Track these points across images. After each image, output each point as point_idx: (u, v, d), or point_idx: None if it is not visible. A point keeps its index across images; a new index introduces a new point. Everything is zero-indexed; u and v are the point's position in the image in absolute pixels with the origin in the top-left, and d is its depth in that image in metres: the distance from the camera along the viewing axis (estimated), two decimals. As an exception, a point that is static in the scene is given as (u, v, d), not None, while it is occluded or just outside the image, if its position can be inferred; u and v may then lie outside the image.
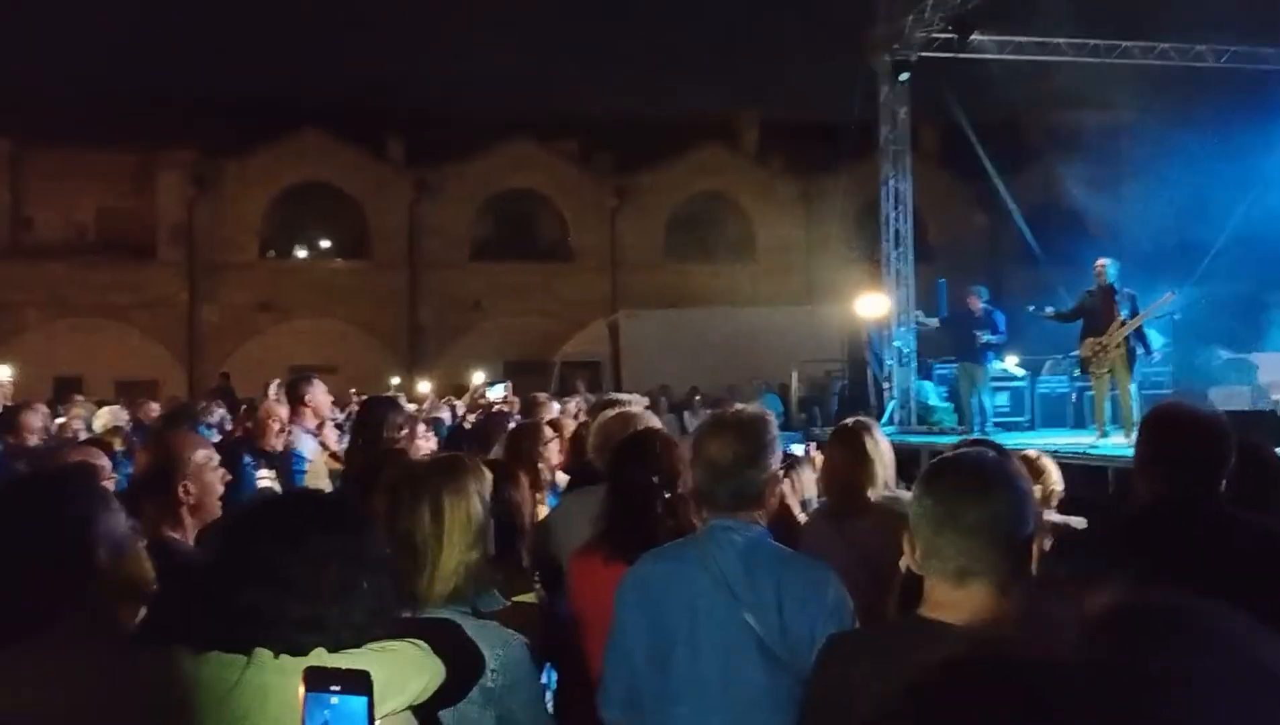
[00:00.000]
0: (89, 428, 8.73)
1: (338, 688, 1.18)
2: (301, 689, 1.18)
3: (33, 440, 5.83)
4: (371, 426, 4.71)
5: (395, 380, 20.17)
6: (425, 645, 1.59)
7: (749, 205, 28.58)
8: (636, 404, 4.83)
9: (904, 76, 13.77)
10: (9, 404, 8.53)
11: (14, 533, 1.56)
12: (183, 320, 25.71)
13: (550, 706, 2.68)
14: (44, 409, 7.01)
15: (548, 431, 4.68)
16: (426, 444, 5.38)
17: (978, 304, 11.66)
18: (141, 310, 25.09)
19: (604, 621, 2.41)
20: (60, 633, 1.51)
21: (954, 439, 7.89)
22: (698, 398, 16.80)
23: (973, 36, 12.86)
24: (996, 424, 11.59)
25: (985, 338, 11.37)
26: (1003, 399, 13.15)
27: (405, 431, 4.77)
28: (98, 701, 1.44)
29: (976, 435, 8.24)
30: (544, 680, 2.67)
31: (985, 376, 11.74)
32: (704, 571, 2.20)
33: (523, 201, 27.92)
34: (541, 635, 2.47)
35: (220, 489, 2.68)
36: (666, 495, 2.74)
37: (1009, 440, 8.14)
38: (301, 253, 27.84)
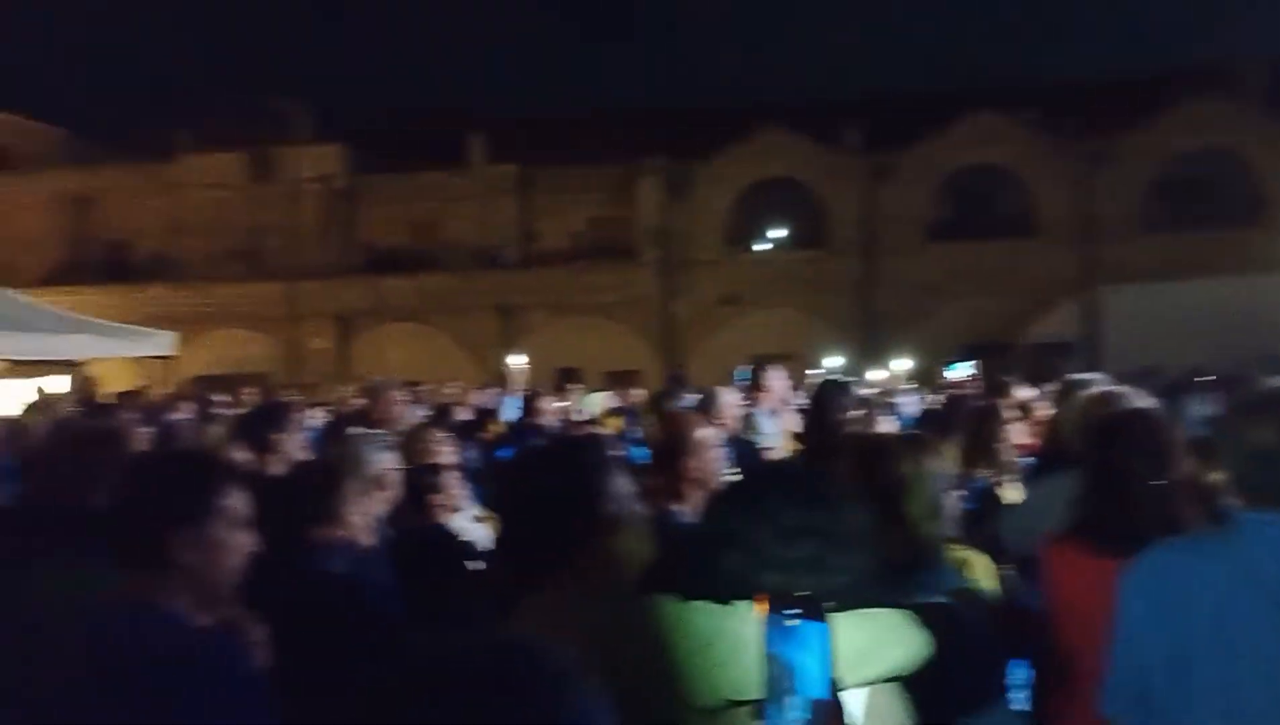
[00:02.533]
0: (581, 411, 9.90)
1: (797, 611, 1.21)
2: (762, 609, 1.23)
3: (546, 420, 6.78)
4: (822, 409, 4.85)
5: (836, 361, 20.36)
6: (910, 615, 1.60)
7: (1258, 160, 24.81)
8: (1106, 385, 4.46)
9: None
10: (529, 391, 9.93)
11: (541, 486, 1.85)
12: (658, 316, 28.06)
13: (1027, 702, 2.57)
14: (553, 398, 8.14)
15: (1009, 413, 4.49)
16: (887, 427, 5.41)
17: None
18: (625, 307, 27.77)
19: (1088, 615, 2.24)
20: (574, 573, 1.77)
21: None
22: (1201, 379, 14.92)
23: None
24: None
25: None
26: None
27: (859, 414, 4.85)
28: (603, 639, 1.64)
29: None
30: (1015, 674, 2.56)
31: None
32: (1236, 571, 1.91)
33: (982, 178, 26.73)
34: (1002, 624, 2.37)
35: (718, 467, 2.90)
36: (1153, 483, 2.50)
37: None
38: (760, 247, 29.04)
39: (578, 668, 0.99)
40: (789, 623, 1.22)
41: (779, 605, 1.23)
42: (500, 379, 18.60)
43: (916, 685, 1.62)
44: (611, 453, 2.12)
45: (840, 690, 1.49)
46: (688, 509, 2.81)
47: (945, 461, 2.32)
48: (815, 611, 1.23)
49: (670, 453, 2.91)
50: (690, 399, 6.96)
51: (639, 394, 12.43)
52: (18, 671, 2.78)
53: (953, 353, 19.99)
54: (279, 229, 29.05)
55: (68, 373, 13.12)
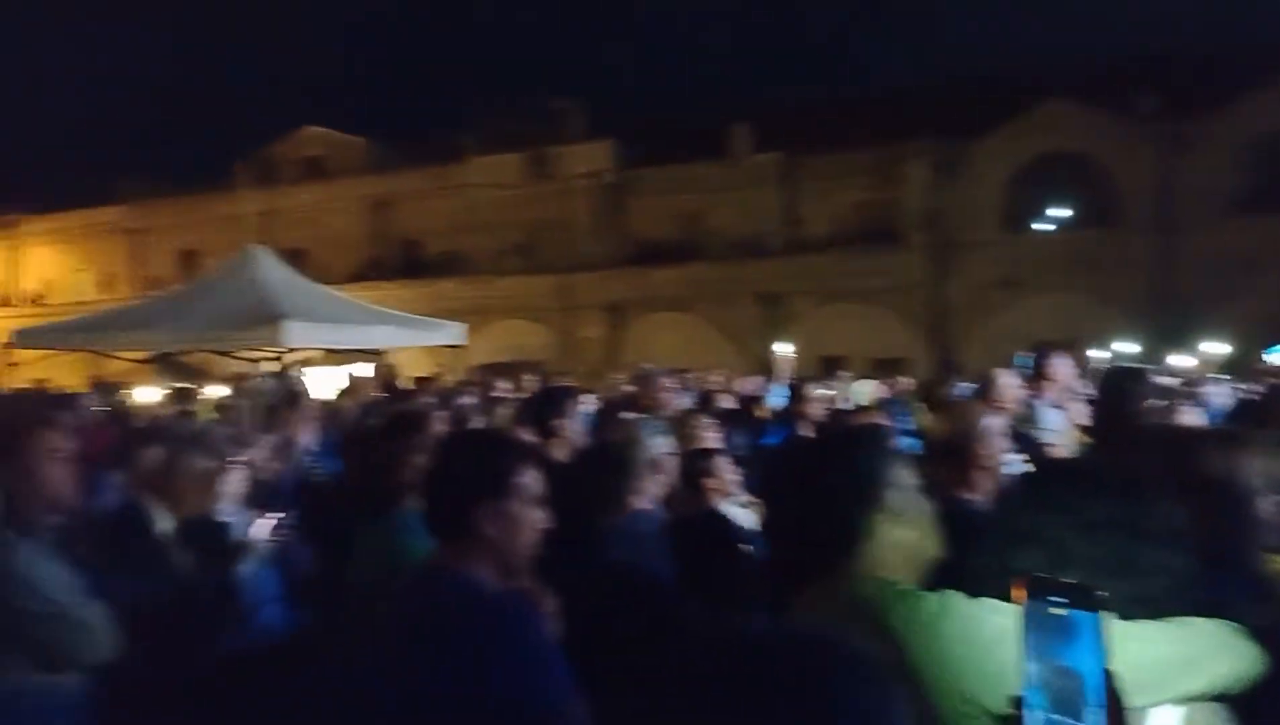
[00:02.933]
0: (848, 400, 9.71)
1: (1064, 599, 1.05)
2: (1021, 594, 1.08)
3: (813, 409, 6.73)
4: (1116, 399, 4.47)
5: (1128, 348, 18.72)
6: (1237, 627, 1.44)
7: None
8: None
9: None
10: (795, 379, 9.89)
11: (821, 475, 1.85)
12: (928, 301, 27.06)
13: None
14: (819, 387, 8.05)
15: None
16: (1192, 420, 4.94)
17: None
18: (892, 293, 26.99)
19: None
20: (852, 564, 1.74)
21: None
22: None
23: None
24: None
25: None
26: None
27: (1159, 405, 4.44)
28: (883, 634, 1.59)
29: None
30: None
31: None
32: None
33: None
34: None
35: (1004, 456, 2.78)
36: None
37: None
38: (1041, 226, 27.30)
39: (876, 662, 0.97)
40: (1054, 612, 1.05)
41: (1041, 592, 1.06)
42: (764, 367, 18.64)
43: (1241, 705, 1.47)
44: (891, 442, 2.08)
45: (1149, 702, 1.38)
46: (979, 498, 2.70)
47: (1267, 461, 2.09)
48: (1086, 601, 1.05)
49: (955, 441, 2.81)
50: (964, 387, 6.67)
51: (906, 382, 12.06)
52: (344, 631, 3.11)
53: (1271, 336, 17.93)
54: (554, 224, 30.59)
55: (372, 361, 14.46)
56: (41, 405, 10.00)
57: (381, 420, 4.15)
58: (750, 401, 9.24)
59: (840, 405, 8.70)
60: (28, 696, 2.64)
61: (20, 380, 15.46)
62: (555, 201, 30.66)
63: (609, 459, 2.86)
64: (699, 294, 28.54)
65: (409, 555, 2.91)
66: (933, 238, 26.82)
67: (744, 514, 4.16)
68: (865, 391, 11.47)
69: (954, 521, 1.88)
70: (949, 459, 2.74)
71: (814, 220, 28.91)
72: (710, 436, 4.80)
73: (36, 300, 36.92)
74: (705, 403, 7.82)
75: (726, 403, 8.64)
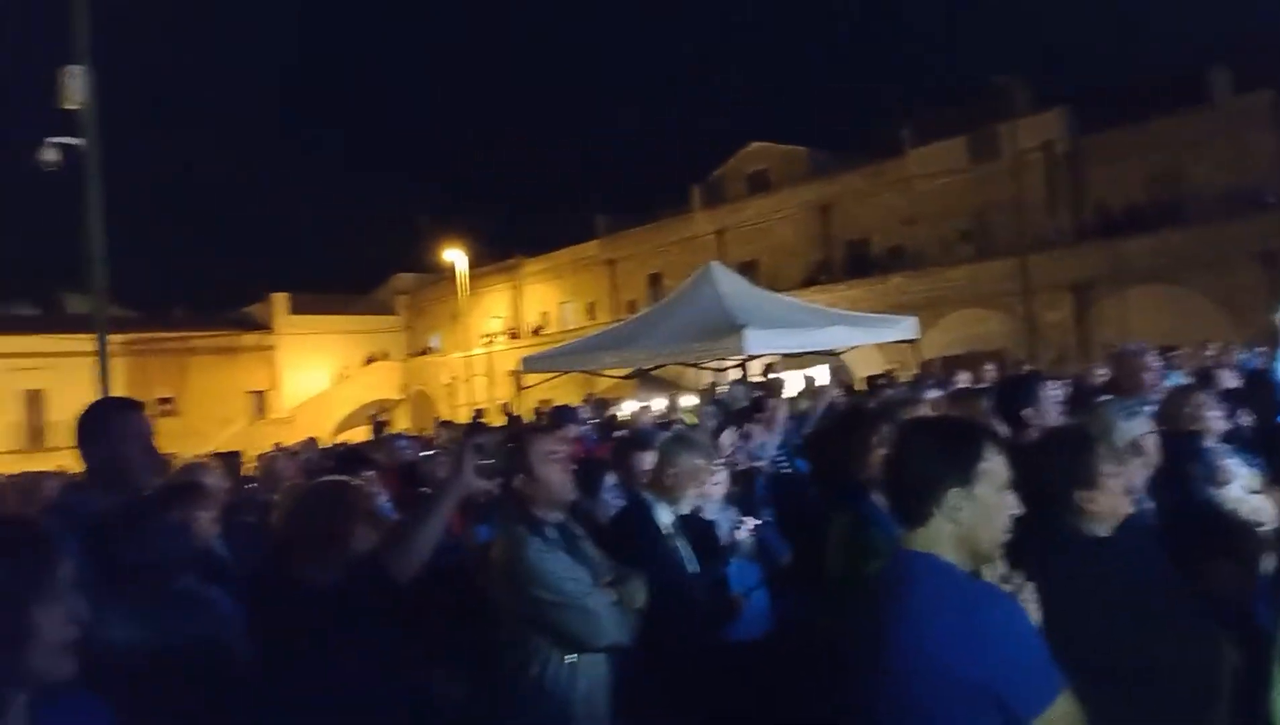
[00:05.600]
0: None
1: None
2: None
3: None
4: None
5: None
6: None
7: None
8: None
9: None
10: None
11: None
12: None
13: None
14: None
15: None
16: None
17: None
18: None
19: None
20: None
21: None
22: None
23: None
24: None
25: None
26: None
27: None
28: None
29: None
30: None
31: None
32: None
33: None
34: None
35: None
36: None
37: None
38: None
39: None
40: None
41: None
42: (1269, 338, 16.16)
43: None
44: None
45: None
46: None
47: None
48: None
49: None
50: None
51: None
52: (823, 619, 3.27)
53: None
54: (1005, 205, 29.02)
55: (826, 362, 14.76)
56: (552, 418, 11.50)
57: (837, 417, 4.29)
58: (1258, 377, 8.11)
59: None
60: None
61: (530, 401, 17.90)
62: (1004, 181, 29.08)
63: (1073, 439, 2.72)
64: (1181, 262, 25.40)
65: (874, 545, 3.00)
66: None
67: (1255, 501, 3.71)
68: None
69: None
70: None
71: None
72: (1209, 417, 4.33)
73: (537, 331, 42.40)
74: (1205, 381, 7.00)
75: (1230, 380, 7.66)
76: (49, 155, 11.88)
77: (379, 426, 19.66)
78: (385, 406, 38.45)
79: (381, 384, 45.23)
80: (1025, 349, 25.34)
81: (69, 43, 11.99)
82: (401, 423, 36.89)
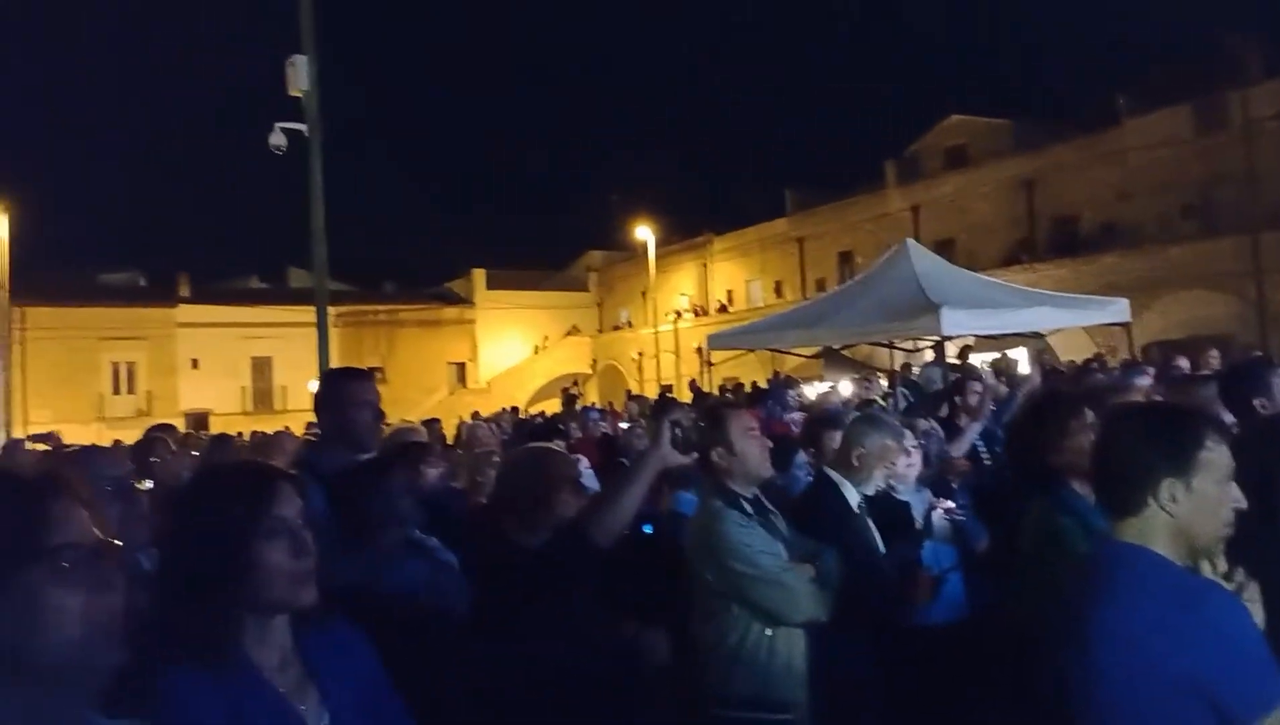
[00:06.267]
0: None
1: None
2: None
3: None
4: None
5: None
6: None
7: None
8: None
9: None
10: None
11: None
12: None
13: None
14: None
15: None
16: None
17: None
18: None
19: None
20: None
21: None
22: None
23: None
24: None
25: None
26: None
27: None
28: None
29: None
30: None
31: None
32: None
33: None
34: None
35: None
36: None
37: None
38: None
39: None
40: None
41: None
42: None
43: None
44: None
45: None
46: None
47: None
48: None
49: None
50: None
51: None
52: (1020, 606, 3.20)
53: None
54: (1234, 178, 26.76)
55: (1026, 345, 14.12)
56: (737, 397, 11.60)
57: (1033, 402, 4.15)
58: None
59: None
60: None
61: (716, 378, 18.03)
62: (1234, 152, 26.80)
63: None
64: None
65: (1067, 534, 2.91)
66: None
67: None
68: None
69: None
70: None
71: None
72: None
73: (723, 309, 42.50)
74: None
75: None
76: (277, 140, 12.82)
77: (570, 399, 20.29)
78: (576, 380, 39.55)
79: (573, 358, 46.54)
80: (1255, 335, 23.37)
81: (297, 33, 12.89)
82: (591, 396, 37.88)
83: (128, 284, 44.95)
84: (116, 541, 1.18)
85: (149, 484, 4.99)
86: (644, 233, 39.70)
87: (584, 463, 5.13)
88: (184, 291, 42.55)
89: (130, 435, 10.97)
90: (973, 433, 5.89)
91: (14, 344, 36.40)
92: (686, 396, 20.06)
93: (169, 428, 8.99)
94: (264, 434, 11.33)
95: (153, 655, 1.64)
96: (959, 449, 5.60)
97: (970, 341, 12.80)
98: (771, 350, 15.59)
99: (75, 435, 18.98)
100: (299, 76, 12.70)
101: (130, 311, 40.65)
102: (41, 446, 11.03)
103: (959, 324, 10.67)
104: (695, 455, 3.29)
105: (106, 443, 9.02)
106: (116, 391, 40.29)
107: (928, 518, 4.08)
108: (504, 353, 47.45)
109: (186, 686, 1.62)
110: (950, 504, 4.18)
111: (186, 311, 41.59)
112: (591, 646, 2.66)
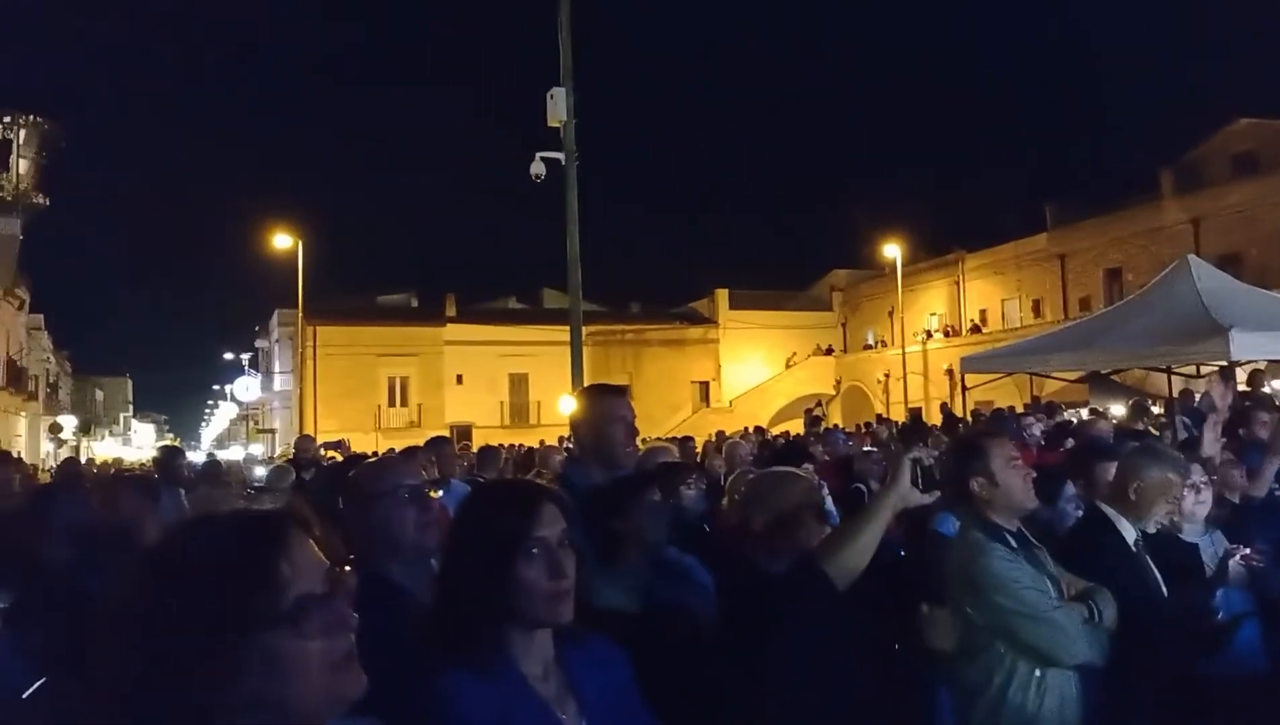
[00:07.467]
0: None
1: None
2: None
3: None
4: None
5: None
6: None
7: None
8: None
9: None
10: None
11: None
12: None
13: None
14: None
15: None
16: None
17: None
18: None
19: None
20: None
21: None
22: None
23: None
24: None
25: None
26: None
27: None
28: None
29: None
30: None
31: None
32: None
33: None
34: None
35: None
36: None
37: None
38: None
39: None
40: None
41: None
42: None
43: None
44: None
45: None
46: None
47: None
48: None
49: None
50: None
51: None
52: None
53: None
54: None
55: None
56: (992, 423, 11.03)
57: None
58: None
59: None
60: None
61: (970, 402, 17.24)
62: None
63: None
64: None
65: None
66: None
67: None
68: None
69: None
70: None
71: None
72: None
73: (976, 329, 40.61)
74: None
75: None
76: (537, 168, 13.49)
77: (814, 420, 20.01)
78: (820, 400, 39.01)
79: (816, 378, 45.94)
80: None
81: (557, 66, 13.55)
82: (834, 417, 37.23)
83: (402, 305, 48.69)
84: (347, 567, 1.19)
85: (441, 493, 5.31)
86: (892, 250, 38.65)
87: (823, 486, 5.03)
88: (450, 311, 45.57)
89: (403, 445, 11.82)
90: (1272, 470, 5.28)
91: (307, 359, 40.36)
92: (936, 419, 19.29)
93: (445, 440, 9.63)
94: (530, 448, 11.91)
95: (432, 656, 1.75)
96: (1258, 489, 5.03)
97: (1262, 366, 11.56)
98: (1031, 373, 14.74)
99: (357, 444, 20.75)
100: (558, 107, 13.33)
101: (404, 330, 44.00)
102: (334, 454, 12.08)
103: (1252, 347, 9.67)
104: (937, 493, 3.13)
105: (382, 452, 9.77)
106: (392, 403, 43.67)
107: (1223, 564, 3.67)
108: (747, 372, 47.51)
109: (460, 687, 1.72)
110: (1246, 549, 3.75)
111: (453, 330, 44.50)
112: (832, 676, 2.58)
